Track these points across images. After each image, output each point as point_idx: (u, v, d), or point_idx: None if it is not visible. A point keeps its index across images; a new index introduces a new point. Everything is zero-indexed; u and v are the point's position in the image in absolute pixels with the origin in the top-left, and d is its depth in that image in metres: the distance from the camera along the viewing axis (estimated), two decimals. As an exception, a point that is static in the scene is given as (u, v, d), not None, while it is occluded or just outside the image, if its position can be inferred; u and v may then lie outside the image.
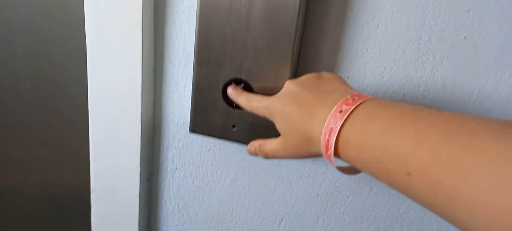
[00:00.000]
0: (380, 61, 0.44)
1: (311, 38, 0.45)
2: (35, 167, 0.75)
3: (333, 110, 0.33)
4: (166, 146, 0.54)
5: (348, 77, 0.46)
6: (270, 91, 0.44)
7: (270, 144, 0.40)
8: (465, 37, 0.42)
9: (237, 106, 0.45)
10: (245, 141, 0.46)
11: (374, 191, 0.50)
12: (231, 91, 0.44)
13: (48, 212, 0.79)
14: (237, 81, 0.44)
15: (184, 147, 0.53)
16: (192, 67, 0.47)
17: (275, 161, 0.51)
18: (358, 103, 0.33)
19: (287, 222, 0.54)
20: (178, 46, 0.49)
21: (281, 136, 0.39)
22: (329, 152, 0.33)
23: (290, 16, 0.41)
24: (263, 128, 0.45)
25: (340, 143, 0.32)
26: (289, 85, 0.39)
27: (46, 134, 0.71)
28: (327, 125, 0.33)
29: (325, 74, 0.40)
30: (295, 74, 0.45)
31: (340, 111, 0.33)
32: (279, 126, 0.38)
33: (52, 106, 0.68)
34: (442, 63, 0.43)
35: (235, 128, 0.46)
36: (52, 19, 0.61)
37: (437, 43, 0.43)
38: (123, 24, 0.47)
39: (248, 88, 0.44)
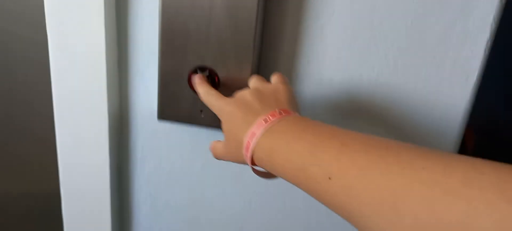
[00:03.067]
0: (338, 46, 0.47)
1: (272, 27, 0.47)
2: (4, 176, 0.74)
3: (259, 118, 0.37)
4: (134, 137, 0.55)
5: (308, 62, 0.49)
6: (234, 77, 0.46)
7: (217, 145, 0.43)
8: (411, 22, 0.46)
9: (204, 93, 0.47)
10: (212, 125, 0.48)
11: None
12: (195, 79, 0.45)
13: (20, 218, 0.78)
14: (202, 68, 0.46)
15: (153, 136, 0.54)
16: (157, 58, 0.49)
17: (242, 144, 0.53)
18: (284, 116, 0.37)
19: (257, 201, 0.56)
20: (142, 38, 0.50)
21: (224, 138, 0.41)
22: (248, 154, 0.36)
23: (250, 7, 0.43)
24: (230, 113, 0.47)
25: (259, 149, 0.35)
26: (245, 91, 0.41)
27: (11, 139, 0.70)
28: (250, 130, 0.36)
29: (281, 87, 0.42)
30: (258, 62, 0.48)
31: (265, 121, 0.36)
32: (223, 127, 0.41)
33: (15, 110, 0.67)
34: (393, 46, 0.47)
35: (202, 113, 0.48)
36: (9, 18, 0.60)
37: (388, 27, 0.46)
38: (85, 19, 0.47)
39: (213, 75, 0.46)
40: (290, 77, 0.49)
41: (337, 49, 0.47)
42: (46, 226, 0.76)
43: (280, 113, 0.37)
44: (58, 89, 0.52)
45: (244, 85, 0.46)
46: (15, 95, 0.66)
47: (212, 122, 0.48)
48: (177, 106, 0.48)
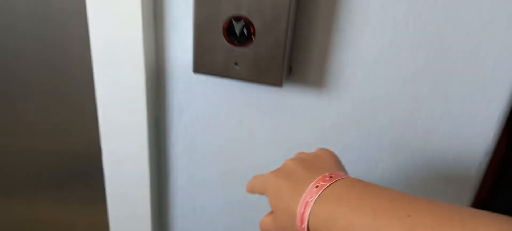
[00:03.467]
0: (381, -9, 0.44)
1: (311, -30, 0.44)
2: (44, 130, 0.76)
3: (310, 185, 0.34)
4: (171, 90, 0.55)
5: (350, 10, 0.46)
6: (270, 27, 0.44)
7: (265, 221, 0.41)
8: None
9: (240, 44, 0.45)
10: (248, 78, 0.47)
11: (378, 122, 0.51)
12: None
13: (61, 171, 0.81)
14: (237, 19, 0.44)
15: (189, 89, 0.54)
16: (192, 9, 0.47)
17: (279, 98, 0.52)
18: (334, 179, 0.34)
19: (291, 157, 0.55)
20: (177, -13, 0.49)
21: (273, 213, 0.38)
22: (303, 225, 0.33)
23: None
24: (265, 65, 0.46)
25: (315, 218, 0.32)
26: (287, 162, 0.39)
27: (52, 94, 0.72)
28: (303, 199, 0.33)
29: (323, 152, 0.40)
30: (295, 9, 0.45)
31: (317, 187, 0.33)
32: (271, 202, 0.38)
33: (55, 66, 0.68)
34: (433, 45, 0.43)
35: (237, 66, 0.47)
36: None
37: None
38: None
39: (248, 25, 0.44)
40: (329, 27, 0.47)
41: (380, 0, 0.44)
42: (87, 181, 0.80)
43: (330, 177, 0.34)
44: (96, 45, 0.52)
45: (281, 37, 0.44)
46: (53, 57, 0.67)
47: (248, 74, 0.47)
48: (212, 58, 0.47)
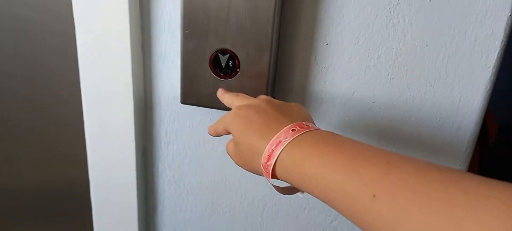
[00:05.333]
0: (355, 27, 0.48)
1: (290, 8, 0.48)
2: (32, 163, 0.77)
3: (286, 127, 0.34)
4: (158, 121, 0.57)
5: (327, 44, 0.49)
6: (254, 60, 0.47)
7: (229, 146, 0.40)
8: (430, 0, 0.46)
9: (225, 76, 0.48)
10: (233, 108, 0.50)
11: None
12: (219, 91, 0.46)
13: (47, 206, 0.81)
14: (223, 52, 0.47)
15: (176, 120, 0.56)
16: (179, 43, 0.50)
17: (262, 127, 0.54)
18: (312, 129, 0.33)
19: (277, 184, 0.57)
20: (164, 24, 0.52)
21: (235, 143, 0.38)
22: (269, 162, 0.32)
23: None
24: (252, 93, 0.48)
25: (286, 159, 0.32)
26: (258, 101, 0.40)
27: (38, 130, 0.73)
28: (276, 137, 0.33)
29: (299, 105, 0.40)
30: (277, 43, 0.48)
31: (293, 130, 0.33)
32: (236, 133, 0.37)
33: (41, 99, 0.70)
34: (412, 25, 0.47)
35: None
36: (34, 7, 0.63)
37: (405, 7, 0.46)
38: (110, 8, 0.49)
39: (233, 58, 0.47)
40: (308, 59, 0.50)
41: (355, 31, 0.48)
42: (74, 212, 0.79)
43: (307, 126, 0.34)
44: (85, 76, 0.54)
45: (264, 69, 0.47)
46: (41, 83, 0.69)
47: (233, 104, 0.49)
48: (199, 90, 0.50)
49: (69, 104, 0.68)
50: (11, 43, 0.66)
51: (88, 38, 0.52)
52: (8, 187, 0.80)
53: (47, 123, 0.73)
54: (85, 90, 0.55)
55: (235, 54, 0.47)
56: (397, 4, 0.46)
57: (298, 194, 0.38)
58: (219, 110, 0.54)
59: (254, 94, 0.48)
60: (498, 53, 0.47)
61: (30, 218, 0.83)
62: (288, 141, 0.32)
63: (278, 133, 0.33)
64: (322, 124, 0.53)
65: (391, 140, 0.52)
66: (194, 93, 0.50)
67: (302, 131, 0.33)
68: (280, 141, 0.33)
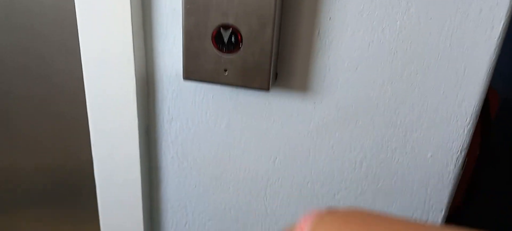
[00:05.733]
0: (359, 1, 0.47)
1: (293, -19, 0.47)
2: (33, 145, 0.77)
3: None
4: (161, 98, 0.57)
5: (330, 18, 0.49)
6: (257, 35, 0.46)
7: None
8: (436, -29, 0.45)
9: (228, 51, 0.48)
10: (236, 83, 0.49)
11: (360, 123, 0.54)
12: None
13: (51, 185, 0.82)
14: (226, 27, 0.47)
15: (178, 97, 0.56)
16: (181, 19, 0.50)
17: (266, 103, 0.54)
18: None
19: (281, 159, 0.58)
20: (165, 0, 0.51)
21: None
22: None
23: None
24: (252, 70, 0.48)
25: None
26: None
27: (41, 106, 0.73)
28: None
29: None
30: (280, 17, 0.48)
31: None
32: None
33: (43, 77, 0.70)
34: (416, -3, 0.46)
35: (226, 72, 0.49)
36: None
37: (410, -22, 0.45)
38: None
39: (236, 32, 0.47)
40: (311, 33, 0.50)
41: (359, 4, 0.47)
42: (78, 191, 0.80)
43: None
44: (86, 56, 0.54)
45: (267, 44, 0.47)
46: (39, 70, 0.69)
47: (236, 80, 0.49)
48: (201, 65, 0.49)
49: (70, 80, 0.68)
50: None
51: (88, 17, 0.51)
52: (11, 170, 0.80)
53: (50, 113, 0.72)
54: (86, 69, 0.55)
55: (238, 29, 0.47)
56: (402, -25, 0.45)
57: None
58: (221, 86, 0.54)
59: (257, 70, 0.48)
60: (503, 25, 0.46)
61: (35, 201, 0.84)
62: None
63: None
64: (325, 99, 0.53)
65: (394, 113, 0.52)
66: (196, 70, 0.50)
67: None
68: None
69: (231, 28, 0.47)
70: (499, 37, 0.47)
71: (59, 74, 0.69)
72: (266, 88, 0.49)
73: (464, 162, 0.55)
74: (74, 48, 0.57)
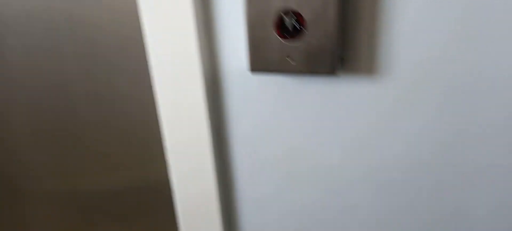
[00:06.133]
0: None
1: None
2: (109, 165, 0.82)
3: None
4: (228, 96, 0.57)
5: (396, -8, 0.46)
6: (320, 18, 0.45)
7: None
8: None
9: (291, 37, 0.47)
10: (302, 70, 0.48)
11: (435, 101, 0.50)
12: None
13: (128, 204, 0.86)
14: (287, 12, 0.46)
15: (245, 92, 0.56)
16: (242, 12, 0.50)
17: (334, 89, 0.53)
18: None
19: (354, 147, 0.55)
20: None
21: None
22: None
23: None
24: (318, 55, 0.47)
25: None
26: None
27: (113, 124, 0.77)
28: None
29: None
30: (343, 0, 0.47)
31: None
32: None
33: (111, 105, 0.74)
34: None
35: (291, 60, 0.48)
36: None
37: None
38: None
39: (298, 18, 0.46)
40: (375, 11, 0.48)
41: (427, -27, 0.45)
42: (154, 213, 0.83)
43: None
44: (155, 61, 0.56)
45: (330, 27, 0.45)
46: (105, 95, 0.73)
47: (302, 67, 0.48)
48: (266, 56, 0.49)
49: (141, 90, 0.71)
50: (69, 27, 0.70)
51: (155, 28, 0.54)
52: (89, 192, 0.86)
53: (124, 119, 0.77)
54: (157, 77, 0.57)
55: (300, 13, 0.46)
56: None
57: None
58: (287, 77, 0.53)
59: (322, 55, 0.47)
60: None
61: (113, 216, 0.88)
62: None
63: None
64: (394, 80, 0.50)
65: (474, 84, 0.48)
66: (261, 61, 0.50)
67: None
68: None
69: (293, 13, 0.46)
70: None
71: (125, 98, 0.73)
72: (333, 73, 0.48)
73: None
74: (137, 71, 0.61)
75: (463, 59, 0.47)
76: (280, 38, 0.48)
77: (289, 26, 0.47)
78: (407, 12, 0.47)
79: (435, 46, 0.47)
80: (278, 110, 0.56)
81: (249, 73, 0.55)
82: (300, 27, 0.47)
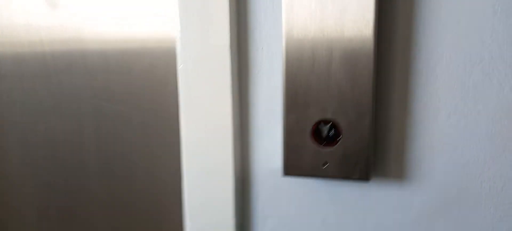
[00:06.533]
0: (450, 83, 0.49)
1: (384, 70, 0.50)
2: None
3: None
4: (256, 195, 0.58)
5: (423, 102, 0.50)
6: (355, 126, 0.48)
7: None
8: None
9: (327, 144, 0.49)
10: (336, 176, 0.50)
11: (464, 207, 0.52)
12: None
13: None
14: (325, 121, 0.49)
15: (274, 193, 0.57)
16: (277, 117, 0.53)
17: (363, 194, 0.54)
18: None
19: None
20: (261, 101, 0.55)
21: None
22: None
23: (366, 60, 0.47)
24: (353, 162, 0.49)
25: None
26: None
27: (138, 206, 0.75)
28: None
29: None
30: (375, 107, 0.50)
31: None
32: None
33: (143, 178, 0.73)
34: (508, 77, 0.47)
35: (326, 165, 0.50)
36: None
37: (499, 60, 0.47)
38: (213, 91, 0.54)
39: (335, 126, 0.49)
40: (404, 119, 0.51)
41: (450, 87, 0.49)
42: None
43: None
44: (188, 158, 0.57)
45: (364, 135, 0.48)
46: (143, 168, 0.72)
47: (336, 172, 0.50)
48: (301, 160, 0.51)
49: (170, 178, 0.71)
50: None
51: (192, 120, 0.55)
52: None
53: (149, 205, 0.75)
54: (187, 172, 0.58)
55: (337, 122, 0.49)
56: (490, 59, 0.47)
57: None
58: (317, 180, 0.55)
59: (356, 159, 0.49)
60: None
61: None
62: None
63: None
64: (424, 185, 0.52)
65: (501, 190, 0.50)
66: (296, 165, 0.51)
67: None
68: None
69: (330, 122, 0.49)
70: None
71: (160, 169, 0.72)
72: (366, 179, 0.49)
73: None
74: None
75: (494, 166, 0.50)
76: (316, 145, 0.50)
77: (326, 134, 0.49)
78: (436, 120, 0.50)
79: (464, 150, 0.50)
80: (306, 213, 0.56)
81: (280, 175, 0.56)
82: (336, 134, 0.49)
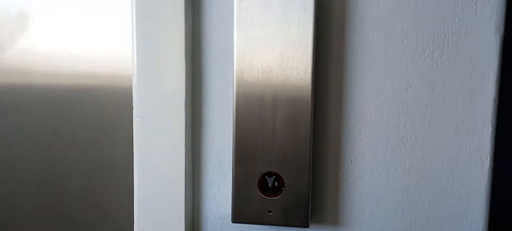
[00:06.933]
0: (373, 146, 0.59)
1: (320, 132, 0.59)
2: None
3: None
4: (204, 242, 0.62)
5: (351, 161, 0.59)
6: (296, 179, 0.56)
7: None
8: (429, 123, 0.58)
9: (272, 194, 0.56)
10: (279, 223, 0.57)
11: None
12: None
13: None
14: (270, 174, 0.56)
15: (222, 240, 0.62)
16: (229, 169, 0.59)
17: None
18: None
19: None
20: (212, 155, 0.61)
21: None
22: None
23: (305, 120, 0.55)
24: (294, 210, 0.56)
25: None
26: None
27: None
28: None
29: None
30: (312, 162, 0.58)
31: None
32: None
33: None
34: (418, 143, 0.58)
35: (271, 213, 0.56)
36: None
37: (411, 130, 0.58)
38: (167, 143, 0.59)
39: (279, 178, 0.56)
40: (338, 175, 0.59)
41: (373, 149, 0.59)
42: None
43: None
44: (139, 207, 0.60)
45: (305, 186, 0.56)
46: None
47: (279, 220, 0.56)
48: (248, 209, 0.57)
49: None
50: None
51: (146, 171, 0.59)
52: None
53: None
54: (138, 217, 0.61)
55: (280, 175, 0.56)
56: (404, 127, 0.58)
57: None
58: (265, 226, 0.60)
59: (297, 208, 0.56)
60: (489, 161, 0.58)
61: None
62: None
63: None
64: (356, 227, 0.60)
65: (415, 241, 0.59)
66: (243, 213, 0.57)
67: None
68: None
69: (274, 175, 0.56)
70: (488, 171, 0.58)
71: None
72: (306, 226, 0.56)
73: None
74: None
75: (410, 218, 0.59)
76: (262, 195, 0.56)
77: (271, 185, 0.56)
78: (362, 177, 0.59)
79: (386, 203, 0.59)
80: (251, 257, 0.62)
81: (229, 222, 0.61)
82: (279, 186, 0.56)
